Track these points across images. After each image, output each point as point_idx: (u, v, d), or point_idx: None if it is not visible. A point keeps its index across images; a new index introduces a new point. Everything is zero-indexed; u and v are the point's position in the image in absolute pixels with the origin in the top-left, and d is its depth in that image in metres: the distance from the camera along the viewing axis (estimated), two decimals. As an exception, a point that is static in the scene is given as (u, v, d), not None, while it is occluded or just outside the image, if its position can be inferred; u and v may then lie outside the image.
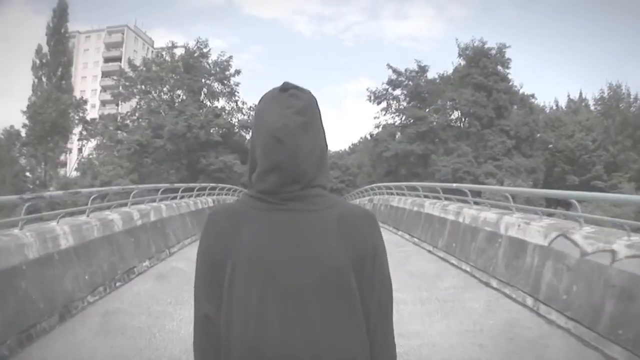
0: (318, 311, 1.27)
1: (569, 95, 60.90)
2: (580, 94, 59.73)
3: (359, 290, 1.32)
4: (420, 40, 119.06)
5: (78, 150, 53.47)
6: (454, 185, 14.74)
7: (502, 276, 8.06)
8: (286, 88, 1.40)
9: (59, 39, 50.94)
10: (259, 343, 1.26)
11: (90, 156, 48.25)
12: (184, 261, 10.26)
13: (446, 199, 13.24)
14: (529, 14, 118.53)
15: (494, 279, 8.33)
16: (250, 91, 38.89)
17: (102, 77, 77.51)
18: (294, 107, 1.36)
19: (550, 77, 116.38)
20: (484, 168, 42.70)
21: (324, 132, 1.44)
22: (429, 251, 11.94)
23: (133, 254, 9.58)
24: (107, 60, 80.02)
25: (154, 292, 8.11)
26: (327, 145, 1.46)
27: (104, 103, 46.96)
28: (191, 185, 19.01)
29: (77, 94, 69.89)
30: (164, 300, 7.60)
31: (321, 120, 1.44)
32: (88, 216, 8.67)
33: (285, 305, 1.27)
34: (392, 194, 20.53)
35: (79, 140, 52.88)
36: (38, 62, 49.77)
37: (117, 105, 49.23)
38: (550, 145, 49.21)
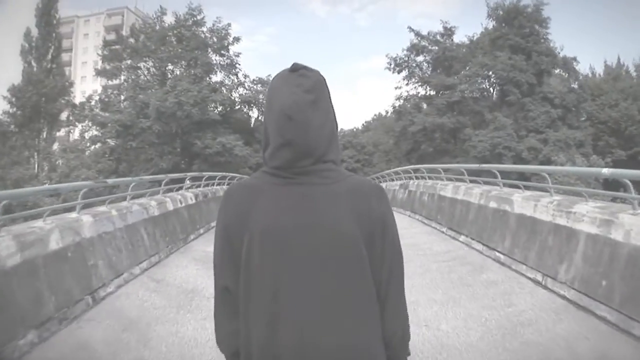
0: (330, 277, 1.36)
1: (605, 62, 57.44)
2: (619, 59, 56.59)
3: (369, 260, 1.40)
4: (434, 18, 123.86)
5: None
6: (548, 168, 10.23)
7: None
8: (296, 68, 1.48)
9: (48, 21, 50.09)
10: (276, 311, 1.35)
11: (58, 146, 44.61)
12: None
13: (485, 182, 11.52)
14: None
15: None
16: (265, 73, 38.28)
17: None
18: (303, 85, 1.44)
19: (581, 43, 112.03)
20: (527, 142, 38.17)
21: (333, 109, 1.53)
22: (547, 288, 7.18)
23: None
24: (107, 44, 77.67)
25: None
26: (337, 123, 1.55)
27: (105, 89, 42.75)
28: (175, 176, 14.50)
29: (77, 79, 71.62)
30: None
31: (330, 99, 1.52)
32: None
33: (299, 272, 1.36)
34: (423, 177, 16.97)
35: (65, 127, 49.98)
36: (27, 45, 49.08)
37: (106, 83, 44.57)
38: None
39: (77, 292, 6.55)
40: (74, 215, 7.55)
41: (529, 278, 7.36)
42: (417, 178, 18.03)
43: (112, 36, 67.84)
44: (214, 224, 14.47)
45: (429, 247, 10.27)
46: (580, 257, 6.30)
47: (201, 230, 13.28)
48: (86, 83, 70.52)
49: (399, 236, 1.50)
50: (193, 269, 8.97)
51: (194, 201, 13.47)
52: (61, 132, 51.84)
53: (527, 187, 9.46)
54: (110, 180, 11.49)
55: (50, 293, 5.91)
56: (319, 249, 1.36)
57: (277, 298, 1.35)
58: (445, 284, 7.31)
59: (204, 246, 11.31)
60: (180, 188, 14.57)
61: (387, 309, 1.45)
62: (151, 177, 16.58)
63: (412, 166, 20.89)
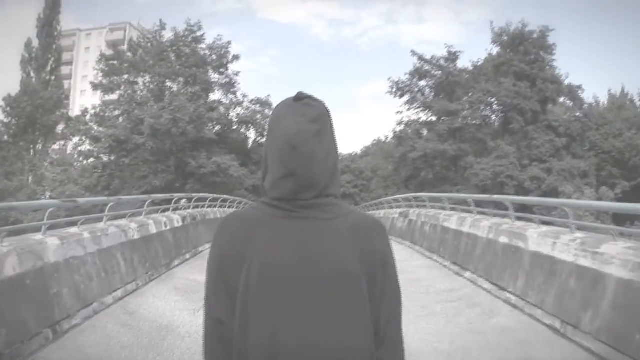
0: (331, 315, 1.31)
1: (609, 91, 56.73)
2: (623, 89, 55.60)
3: (369, 296, 1.36)
4: (437, 45, 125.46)
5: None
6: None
7: None
8: (300, 98, 1.46)
9: (49, 32, 50.15)
10: (275, 346, 1.30)
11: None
12: None
13: (479, 212, 11.19)
14: (547, 15, 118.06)
15: None
16: (265, 94, 38.40)
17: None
18: (307, 115, 1.41)
19: (584, 72, 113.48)
20: (530, 172, 37.57)
21: (336, 141, 1.49)
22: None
23: None
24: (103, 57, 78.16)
25: None
26: (338, 155, 1.51)
27: (105, 104, 42.23)
28: (159, 196, 13.78)
29: (77, 93, 73.69)
30: None
31: (333, 130, 1.49)
32: None
33: (299, 308, 1.31)
34: (425, 206, 16.12)
35: (60, 140, 49.95)
36: (27, 56, 48.92)
37: (102, 97, 43.94)
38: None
39: (34, 325, 5.81)
40: (38, 237, 6.79)
41: (546, 325, 6.56)
42: (418, 207, 17.27)
43: (111, 51, 68.51)
44: (201, 248, 13.96)
45: (432, 284, 9.47)
46: (608, 304, 5.53)
47: (187, 256, 12.50)
48: (86, 97, 69.92)
49: (397, 275, 1.46)
50: (172, 300, 8.16)
51: (180, 224, 12.71)
52: (56, 145, 51.39)
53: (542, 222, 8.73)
54: (81, 200, 10.66)
55: (1, 326, 5.15)
56: (319, 285, 1.32)
57: (275, 333, 1.31)
58: (452, 330, 6.52)
59: (188, 273, 10.53)
60: (175, 208, 13.91)
61: (385, 346, 1.41)
62: (131, 197, 15.74)
63: (413, 194, 20.14)
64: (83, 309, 6.89)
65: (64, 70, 61.18)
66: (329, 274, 1.32)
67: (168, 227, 11.68)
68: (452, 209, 13.39)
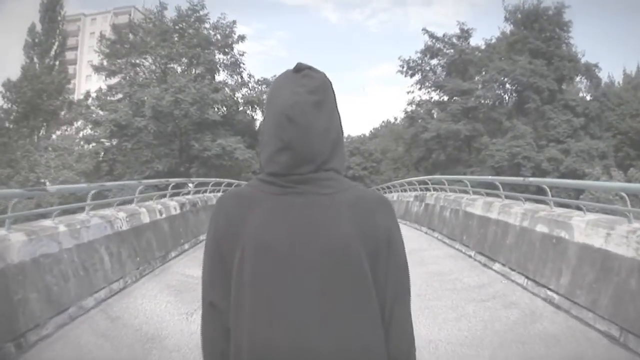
0: (329, 296, 1.26)
1: (624, 70, 55.97)
2: (638, 67, 54.95)
3: (373, 277, 1.30)
4: (445, 27, 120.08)
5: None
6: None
7: None
8: (300, 69, 1.40)
9: (52, 17, 49.65)
10: (271, 330, 1.25)
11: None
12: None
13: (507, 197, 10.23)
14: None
15: None
16: (272, 75, 38.51)
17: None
18: (307, 86, 1.36)
19: (598, 51, 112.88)
20: (547, 152, 36.58)
21: (339, 114, 1.45)
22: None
23: None
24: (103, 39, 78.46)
25: None
26: (342, 129, 1.45)
27: (110, 88, 41.42)
28: (150, 182, 13.03)
29: (82, 78, 74.26)
30: None
31: (336, 102, 1.44)
32: None
33: (295, 290, 1.26)
34: (444, 189, 15.09)
35: (64, 125, 49.06)
36: (31, 41, 48.36)
37: (105, 81, 42.98)
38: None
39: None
40: (1, 232, 5.80)
41: (601, 332, 5.55)
42: (434, 189, 16.28)
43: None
44: (202, 237, 12.91)
45: (458, 278, 8.45)
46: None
47: (186, 246, 11.54)
48: (91, 82, 69.67)
49: (405, 251, 1.37)
50: (163, 301, 7.18)
51: (178, 211, 11.75)
52: (60, 131, 50.46)
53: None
54: (52, 188, 9.74)
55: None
56: (317, 266, 1.25)
57: (271, 319, 1.24)
58: (490, 339, 5.49)
59: (185, 267, 9.58)
60: (175, 194, 13.22)
61: (392, 328, 1.33)
62: (116, 183, 14.63)
63: (429, 176, 19.09)
64: (56, 316, 5.94)
65: (69, 55, 61.21)
66: (326, 255, 1.25)
67: (163, 216, 10.73)
68: (476, 193, 12.34)
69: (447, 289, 7.70)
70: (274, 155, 1.33)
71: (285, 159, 1.31)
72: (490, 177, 13.98)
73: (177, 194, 13.54)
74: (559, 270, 6.84)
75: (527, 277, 7.68)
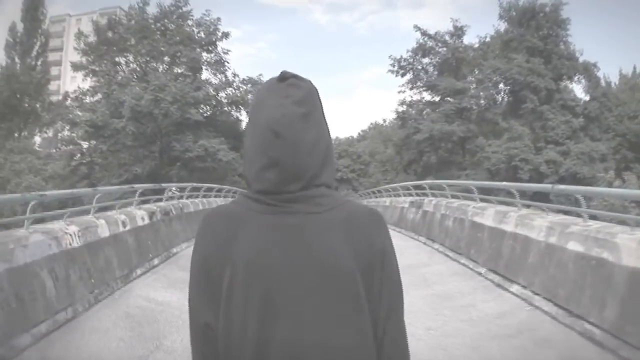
0: (322, 317, 1.22)
1: (621, 71, 54.76)
2: (635, 68, 53.55)
3: (367, 294, 1.27)
4: (436, 29, 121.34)
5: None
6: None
7: None
8: (284, 77, 1.34)
9: (34, 16, 49.06)
10: (265, 352, 1.21)
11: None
12: None
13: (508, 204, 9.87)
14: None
15: None
16: (258, 74, 39.49)
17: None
18: (293, 96, 1.30)
19: (594, 51, 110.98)
20: (545, 155, 35.64)
21: (327, 124, 1.39)
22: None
23: None
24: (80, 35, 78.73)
25: None
26: (331, 140, 1.40)
27: (91, 88, 40.49)
28: (107, 189, 11.79)
29: (67, 79, 72.06)
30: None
31: (323, 112, 1.38)
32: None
33: (288, 312, 1.22)
34: (445, 195, 14.17)
35: (42, 126, 48.90)
36: (12, 40, 47.93)
37: (83, 79, 42.00)
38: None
39: None
40: None
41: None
42: (433, 195, 15.17)
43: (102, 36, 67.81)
44: (176, 249, 11.48)
45: (472, 304, 7.23)
46: None
47: (155, 261, 10.25)
48: (76, 83, 69.74)
49: (398, 268, 1.33)
50: (115, 339, 5.88)
51: (146, 221, 10.50)
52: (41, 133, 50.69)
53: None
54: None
55: None
56: (310, 286, 1.22)
57: (263, 339, 1.20)
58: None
59: (151, 288, 8.32)
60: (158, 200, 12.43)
61: (386, 344, 1.28)
62: (59, 192, 12.85)
63: (428, 181, 18.18)
64: None
65: (54, 56, 60.63)
66: (319, 275, 1.21)
67: (127, 227, 9.47)
68: (484, 200, 11.17)
69: (462, 320, 6.49)
70: (260, 173, 1.27)
71: (273, 177, 1.25)
72: (504, 183, 12.90)
73: (160, 200, 12.94)
74: (602, 299, 5.65)
75: (556, 305, 6.49)
